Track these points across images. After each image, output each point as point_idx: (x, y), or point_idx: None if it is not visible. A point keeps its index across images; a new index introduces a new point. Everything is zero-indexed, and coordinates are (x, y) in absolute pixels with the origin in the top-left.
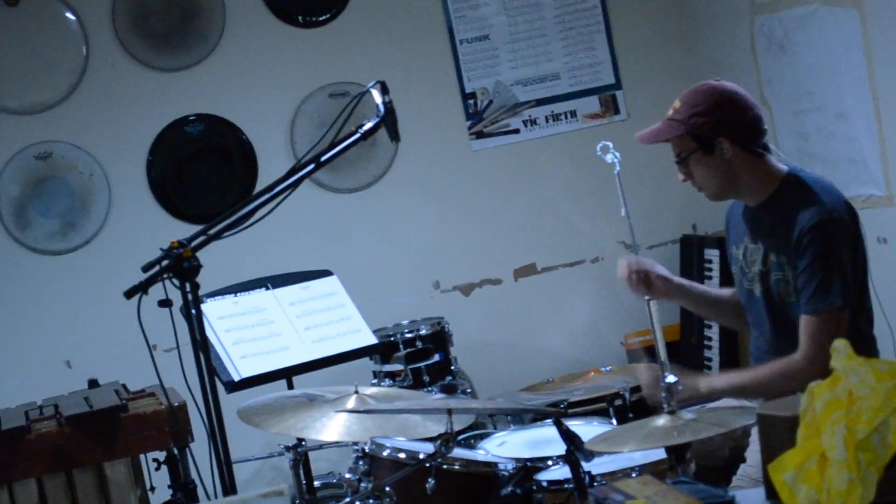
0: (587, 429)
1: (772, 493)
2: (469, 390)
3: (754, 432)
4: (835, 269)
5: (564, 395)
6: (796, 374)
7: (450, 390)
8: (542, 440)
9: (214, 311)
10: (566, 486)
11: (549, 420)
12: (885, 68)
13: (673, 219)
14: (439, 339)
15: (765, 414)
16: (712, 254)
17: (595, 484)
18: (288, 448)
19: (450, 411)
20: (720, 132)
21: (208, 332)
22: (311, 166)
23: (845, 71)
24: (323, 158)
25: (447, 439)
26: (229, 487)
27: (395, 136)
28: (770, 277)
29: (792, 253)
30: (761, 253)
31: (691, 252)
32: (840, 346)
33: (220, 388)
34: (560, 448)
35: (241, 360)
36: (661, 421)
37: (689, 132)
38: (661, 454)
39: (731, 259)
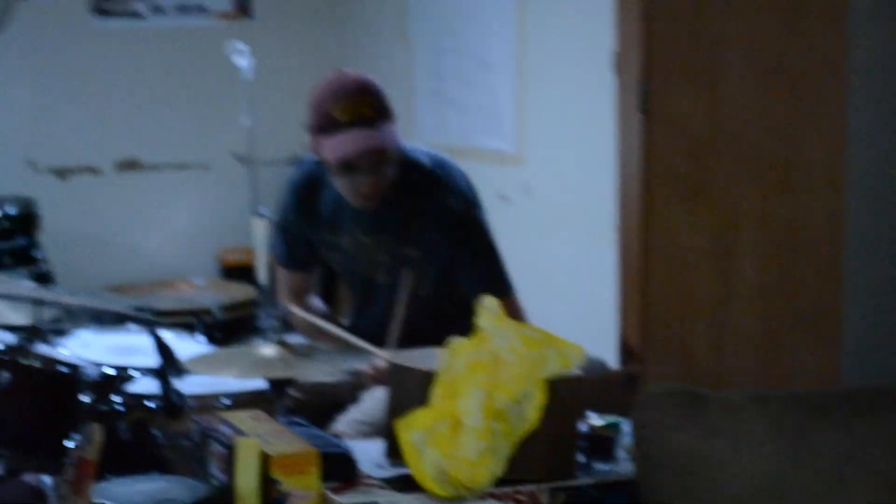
0: (177, 343)
1: (394, 450)
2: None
3: None
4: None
5: (151, 302)
6: None
7: (42, 280)
8: (128, 347)
9: None
10: (149, 402)
11: (133, 325)
12: (537, 21)
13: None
14: (27, 221)
15: (398, 364)
16: None
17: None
18: None
19: (42, 302)
20: None
21: None
22: None
23: (493, 17)
24: None
25: (35, 333)
26: None
27: None
28: (404, 269)
29: (441, 243)
30: (388, 246)
31: None
32: (490, 303)
33: None
34: (148, 359)
35: None
36: (269, 351)
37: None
38: (259, 385)
39: (327, 244)
